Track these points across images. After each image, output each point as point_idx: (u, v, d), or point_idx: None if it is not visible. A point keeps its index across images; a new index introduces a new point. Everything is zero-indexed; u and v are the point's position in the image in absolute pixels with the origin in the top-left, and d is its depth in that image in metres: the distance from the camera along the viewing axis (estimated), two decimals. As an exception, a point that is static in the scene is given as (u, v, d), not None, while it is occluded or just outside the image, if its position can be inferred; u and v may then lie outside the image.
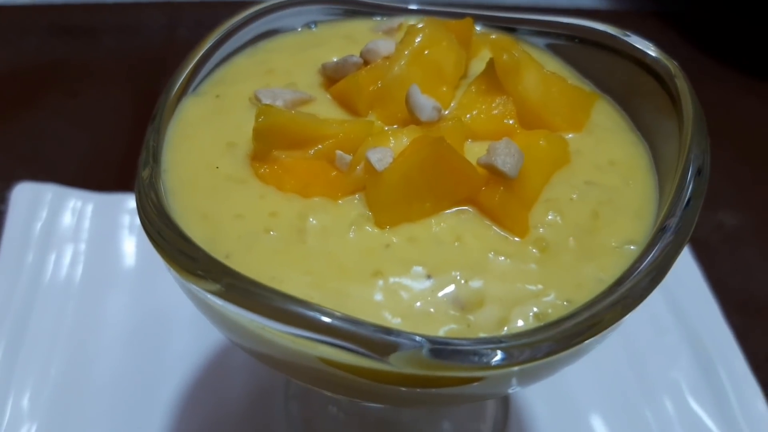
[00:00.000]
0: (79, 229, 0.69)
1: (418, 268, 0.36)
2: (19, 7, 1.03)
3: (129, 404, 0.59)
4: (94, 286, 0.65)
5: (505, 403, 0.61)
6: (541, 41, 0.49)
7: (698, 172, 0.37)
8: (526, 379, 0.36)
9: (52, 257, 0.66)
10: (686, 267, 0.71)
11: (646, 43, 0.44)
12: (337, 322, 0.30)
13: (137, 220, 0.70)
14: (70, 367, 0.60)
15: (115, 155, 0.84)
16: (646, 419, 0.61)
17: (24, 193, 0.70)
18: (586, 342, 0.31)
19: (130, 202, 0.72)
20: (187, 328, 0.63)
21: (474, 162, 0.38)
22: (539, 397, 0.62)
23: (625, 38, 0.45)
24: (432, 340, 0.30)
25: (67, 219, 0.69)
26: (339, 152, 0.39)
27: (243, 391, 0.60)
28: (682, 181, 0.37)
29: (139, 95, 0.92)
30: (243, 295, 0.30)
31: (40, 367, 0.59)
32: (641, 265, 0.34)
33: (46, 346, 0.61)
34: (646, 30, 1.16)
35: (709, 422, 0.61)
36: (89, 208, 0.71)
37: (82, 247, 0.68)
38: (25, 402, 0.57)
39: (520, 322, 0.34)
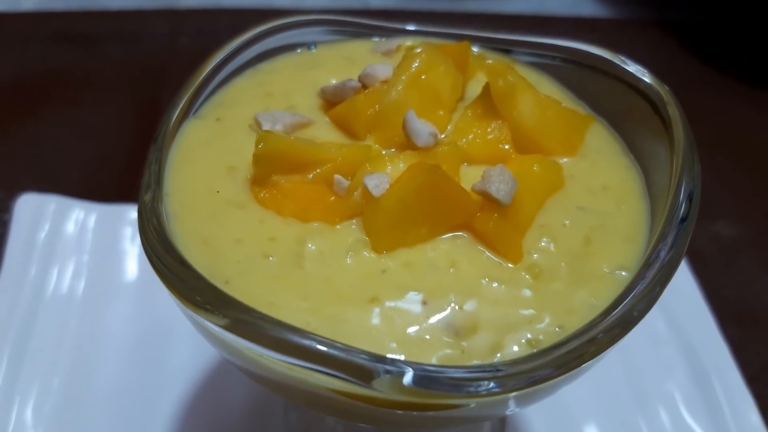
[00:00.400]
0: (81, 241, 0.70)
1: (414, 294, 0.36)
2: (21, 15, 1.04)
3: (131, 415, 0.59)
4: (96, 298, 0.66)
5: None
6: (536, 63, 0.50)
7: (689, 199, 0.37)
8: (519, 402, 0.37)
9: (55, 269, 0.67)
10: (682, 278, 0.71)
11: (641, 69, 0.44)
12: (323, 349, 0.31)
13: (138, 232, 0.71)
14: (73, 379, 0.61)
15: (117, 163, 0.85)
16: (641, 431, 0.62)
17: (27, 204, 0.71)
18: (564, 376, 0.32)
19: (132, 212, 0.73)
20: (188, 339, 0.63)
21: (469, 187, 0.39)
22: (536, 409, 0.63)
23: (620, 63, 0.45)
24: (415, 368, 0.31)
25: (70, 230, 0.70)
26: (337, 177, 0.40)
27: (243, 403, 0.61)
28: (672, 207, 0.37)
29: (141, 103, 0.93)
30: (243, 326, 0.31)
31: (44, 379, 0.60)
32: (632, 292, 0.35)
33: (50, 357, 0.61)
34: (645, 38, 1.17)
35: (704, 434, 0.61)
36: (92, 219, 0.71)
37: (85, 258, 0.68)
38: (28, 413, 0.58)
39: (514, 349, 0.35)
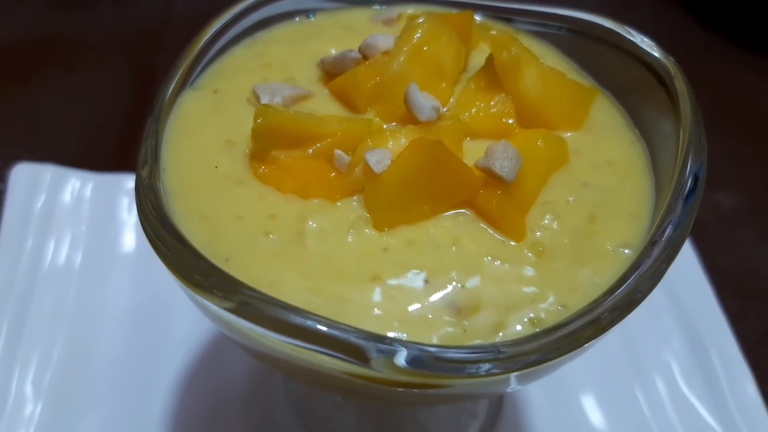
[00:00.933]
0: (78, 211, 0.69)
1: (416, 272, 0.36)
2: (12, -22, 1.02)
3: (131, 386, 0.59)
4: (94, 269, 0.65)
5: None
6: (540, 32, 0.49)
7: (695, 177, 0.37)
8: (519, 382, 0.37)
9: (52, 240, 0.66)
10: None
11: (649, 41, 0.43)
12: (321, 329, 0.31)
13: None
14: (73, 350, 0.61)
15: (113, 130, 0.84)
16: (638, 401, 0.62)
17: (23, 174, 0.70)
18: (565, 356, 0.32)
19: (128, 182, 0.72)
20: (187, 310, 0.62)
21: (472, 162, 0.39)
22: (533, 379, 0.63)
23: (627, 35, 0.44)
24: (415, 348, 0.31)
25: (66, 200, 0.69)
26: (338, 152, 0.39)
27: (243, 373, 0.61)
28: (678, 185, 0.37)
29: (137, 68, 0.92)
30: (244, 307, 0.31)
31: (43, 350, 0.60)
32: (636, 270, 0.34)
33: (49, 329, 0.61)
34: (648, 4, 1.14)
35: (699, 404, 0.62)
36: (88, 189, 0.71)
37: (82, 229, 0.68)
38: (28, 385, 0.58)
39: (516, 328, 0.35)
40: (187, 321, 0.63)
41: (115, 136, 0.84)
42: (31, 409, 0.57)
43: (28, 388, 0.58)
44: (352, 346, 0.31)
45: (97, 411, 0.58)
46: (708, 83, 0.97)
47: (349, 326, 0.31)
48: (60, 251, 0.66)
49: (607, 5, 1.10)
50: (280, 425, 0.59)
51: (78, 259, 0.66)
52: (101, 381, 0.59)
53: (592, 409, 0.62)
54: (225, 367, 0.62)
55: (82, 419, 0.57)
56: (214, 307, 0.33)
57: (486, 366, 0.31)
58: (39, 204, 0.69)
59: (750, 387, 0.62)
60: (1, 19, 0.96)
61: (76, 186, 0.71)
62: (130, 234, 0.69)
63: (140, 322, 0.63)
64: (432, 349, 0.31)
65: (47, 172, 0.71)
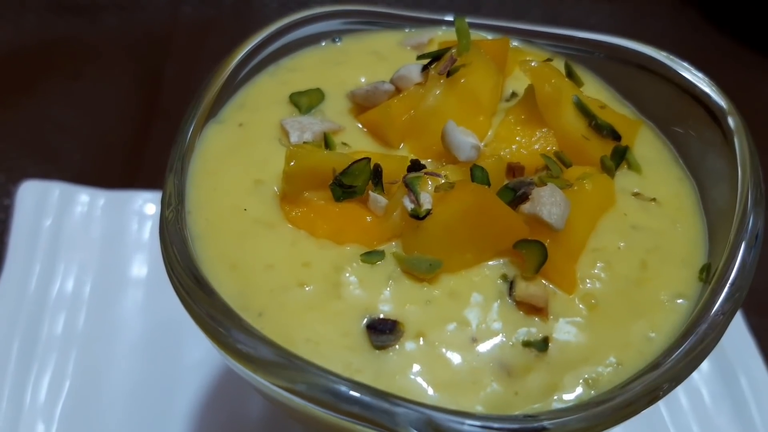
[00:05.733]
0: (87, 231, 0.66)
1: (461, 328, 0.34)
2: (14, -18, 0.99)
3: (143, 415, 0.58)
4: (105, 293, 0.63)
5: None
6: (578, 57, 0.46)
7: (756, 235, 0.34)
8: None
9: (62, 263, 0.64)
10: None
11: (700, 75, 0.41)
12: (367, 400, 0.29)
13: (147, 222, 0.68)
14: (84, 379, 0.59)
15: (119, 139, 0.82)
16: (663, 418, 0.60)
17: (30, 192, 0.67)
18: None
19: (138, 200, 0.70)
20: (200, 335, 0.61)
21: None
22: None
23: (672, 64, 0.42)
24: (459, 422, 0.29)
25: (75, 220, 0.67)
26: (372, 194, 0.37)
27: (258, 402, 0.59)
28: (739, 233, 0.35)
29: (143, 75, 0.89)
30: (280, 377, 0.29)
31: (53, 379, 0.58)
32: (695, 329, 0.32)
33: (59, 356, 0.59)
34: (665, 9, 1.11)
35: (723, 420, 0.60)
36: (98, 207, 0.68)
37: (92, 250, 0.65)
38: (38, 415, 0.56)
39: (572, 389, 0.32)
40: (200, 347, 0.61)
41: (122, 146, 0.81)
42: (43, 441, 0.55)
43: (39, 419, 0.56)
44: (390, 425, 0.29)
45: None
46: (728, 90, 0.94)
47: (389, 399, 0.29)
48: (69, 274, 0.64)
49: (623, 11, 1.07)
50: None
51: (88, 283, 0.64)
52: (112, 412, 0.57)
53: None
54: (239, 395, 0.60)
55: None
56: (249, 373, 0.30)
57: None
58: (47, 223, 0.66)
59: None
60: (5, 25, 0.93)
61: (85, 204, 0.68)
62: (141, 255, 0.66)
63: (152, 349, 0.61)
64: (472, 424, 0.29)
65: (55, 189, 0.68)
